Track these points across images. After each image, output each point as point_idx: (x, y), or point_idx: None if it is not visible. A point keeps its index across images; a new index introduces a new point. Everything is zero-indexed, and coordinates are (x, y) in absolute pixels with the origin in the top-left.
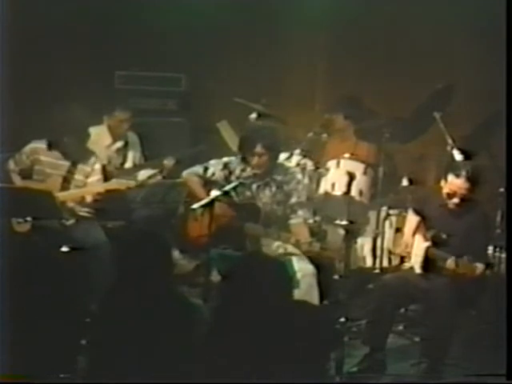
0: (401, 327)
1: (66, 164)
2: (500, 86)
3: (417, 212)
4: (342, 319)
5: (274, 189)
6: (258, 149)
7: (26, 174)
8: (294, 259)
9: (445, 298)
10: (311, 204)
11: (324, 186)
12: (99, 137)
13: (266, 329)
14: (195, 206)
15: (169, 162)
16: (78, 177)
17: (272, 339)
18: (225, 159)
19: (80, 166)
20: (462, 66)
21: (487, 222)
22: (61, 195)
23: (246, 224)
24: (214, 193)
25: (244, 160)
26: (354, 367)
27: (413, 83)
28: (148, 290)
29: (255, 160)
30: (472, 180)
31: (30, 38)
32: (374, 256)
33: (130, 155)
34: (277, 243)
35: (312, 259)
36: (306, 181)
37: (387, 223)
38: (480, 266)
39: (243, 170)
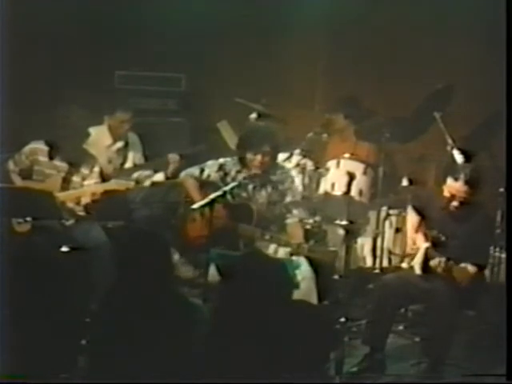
0: (401, 327)
1: (65, 165)
2: (500, 85)
3: (416, 210)
4: (342, 319)
5: (269, 189)
6: (266, 148)
7: (26, 175)
8: (293, 261)
9: (445, 297)
10: (306, 203)
11: (324, 186)
12: (99, 137)
13: (266, 329)
14: (195, 206)
15: (174, 158)
16: (77, 178)
17: (272, 339)
18: (220, 160)
19: (80, 167)
20: (462, 66)
21: (488, 223)
22: (61, 195)
23: (239, 225)
24: (215, 193)
25: (241, 161)
26: (354, 367)
27: (413, 83)
28: (148, 289)
29: (257, 161)
30: (471, 183)
31: (30, 38)
32: (374, 256)
33: (131, 155)
34: (274, 245)
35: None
36: (301, 180)
37: (387, 223)
38: (474, 270)
39: (239, 172)
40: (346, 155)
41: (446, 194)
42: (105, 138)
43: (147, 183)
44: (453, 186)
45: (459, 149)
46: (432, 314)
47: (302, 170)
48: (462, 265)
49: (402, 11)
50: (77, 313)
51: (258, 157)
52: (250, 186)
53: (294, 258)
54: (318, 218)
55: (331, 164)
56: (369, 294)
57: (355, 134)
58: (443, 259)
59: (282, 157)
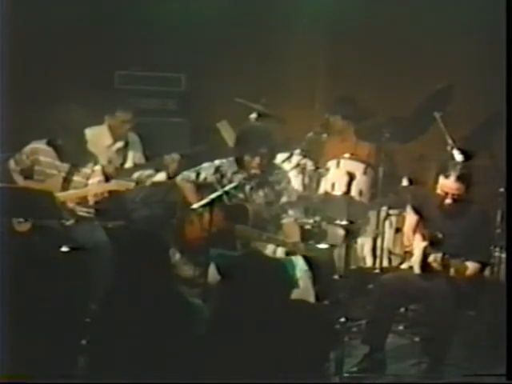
0: (401, 327)
1: (66, 165)
2: (500, 85)
3: (415, 210)
4: (342, 319)
5: (266, 189)
6: (263, 150)
7: (27, 174)
8: (292, 260)
9: (445, 297)
10: (303, 203)
11: (324, 186)
12: (99, 137)
13: (266, 329)
14: (195, 206)
15: (175, 158)
16: (77, 178)
17: (272, 339)
18: (216, 162)
19: (80, 167)
20: (462, 65)
21: (488, 223)
22: (61, 195)
23: (236, 226)
24: (215, 193)
25: (238, 161)
26: (354, 367)
27: (413, 83)
28: (148, 289)
29: (255, 162)
30: (462, 180)
31: (30, 38)
32: (374, 256)
33: (131, 155)
34: (268, 245)
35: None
36: (301, 180)
37: (387, 223)
38: (472, 267)
39: (235, 173)
40: (346, 155)
41: (439, 191)
42: (105, 138)
43: (148, 183)
44: (445, 184)
45: (459, 149)
46: (432, 314)
47: (302, 170)
48: (468, 264)
49: (401, 11)
50: (77, 313)
51: (257, 159)
52: (247, 187)
53: (291, 257)
54: (317, 218)
55: (331, 164)
56: (369, 294)
57: (355, 133)
58: (440, 254)
59: (281, 157)
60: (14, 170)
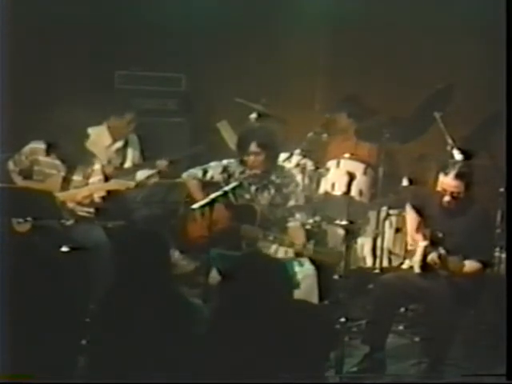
0: (401, 327)
1: (66, 165)
2: (500, 85)
3: (415, 209)
4: (342, 319)
5: (272, 191)
6: (253, 148)
7: (26, 175)
8: (294, 261)
9: (445, 297)
10: (309, 207)
11: (324, 186)
12: (99, 137)
13: (266, 329)
14: (195, 206)
15: (162, 163)
16: (77, 177)
17: (272, 339)
18: (224, 162)
19: (80, 167)
20: (462, 66)
21: (488, 223)
22: (61, 195)
23: (242, 226)
24: (214, 193)
25: (242, 162)
26: (354, 367)
27: (413, 83)
28: (148, 289)
29: (251, 160)
30: (461, 177)
31: (30, 38)
32: (374, 256)
33: (130, 155)
34: (275, 245)
35: (312, 260)
36: (305, 182)
37: (387, 223)
38: (472, 265)
39: (242, 173)
40: (346, 155)
41: (439, 189)
42: (104, 138)
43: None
44: (444, 181)
45: (459, 149)
46: (432, 314)
47: (302, 170)
48: (466, 262)
49: (402, 11)
50: (77, 313)
51: (251, 157)
52: (253, 188)
53: (295, 257)
54: (317, 218)
55: (331, 164)
56: (369, 294)
57: (355, 133)
58: (438, 252)
59: (281, 157)
60: (13, 170)
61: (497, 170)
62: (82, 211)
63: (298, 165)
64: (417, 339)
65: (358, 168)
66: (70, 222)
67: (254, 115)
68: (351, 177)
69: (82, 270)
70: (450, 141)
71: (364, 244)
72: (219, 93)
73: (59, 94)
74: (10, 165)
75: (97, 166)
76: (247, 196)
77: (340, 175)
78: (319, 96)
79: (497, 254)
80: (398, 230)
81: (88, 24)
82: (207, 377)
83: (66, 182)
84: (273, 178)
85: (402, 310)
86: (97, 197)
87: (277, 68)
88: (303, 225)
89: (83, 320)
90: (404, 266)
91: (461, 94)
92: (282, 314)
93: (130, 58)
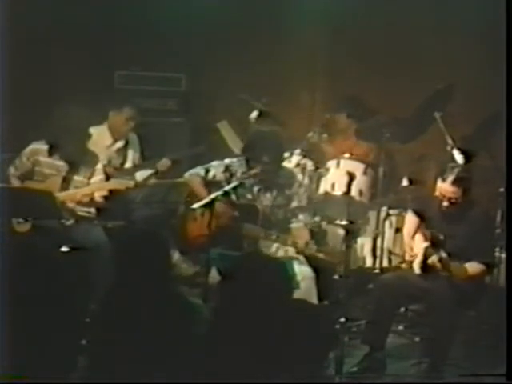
0: (401, 327)
1: (66, 165)
2: (500, 85)
3: (416, 212)
4: (342, 319)
5: (275, 192)
6: (265, 159)
7: (27, 176)
8: (294, 261)
9: (445, 297)
10: (310, 207)
11: (324, 186)
12: (99, 137)
13: (266, 329)
14: (195, 205)
15: (164, 164)
16: (78, 177)
17: (272, 339)
18: (226, 161)
19: (80, 167)
20: (462, 66)
21: (488, 223)
22: (61, 195)
23: (244, 225)
24: (215, 193)
25: (247, 162)
26: (354, 367)
27: (413, 83)
28: (148, 289)
29: (260, 168)
30: (458, 183)
31: (30, 38)
32: (374, 256)
33: (130, 155)
34: (275, 245)
35: (311, 261)
36: (305, 182)
37: (387, 223)
38: (473, 268)
39: (245, 173)
40: (346, 155)
41: (437, 194)
42: (105, 138)
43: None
44: (441, 187)
45: (459, 149)
46: (432, 314)
47: (302, 170)
48: (466, 264)
49: (402, 11)
50: (77, 313)
51: (263, 166)
52: (256, 188)
53: (294, 257)
54: (317, 218)
55: (331, 164)
56: (369, 294)
57: (355, 133)
58: (439, 255)
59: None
60: (14, 174)
61: (497, 170)
62: (82, 211)
63: (298, 165)
64: (417, 339)
65: (357, 168)
66: (69, 222)
67: (254, 114)
68: (351, 177)
69: (82, 270)
70: (449, 141)
71: (364, 244)
72: (219, 93)
73: (59, 94)
74: (11, 169)
75: (99, 166)
76: (249, 196)
77: (340, 175)
78: (319, 96)
79: (497, 254)
80: (397, 230)
81: (88, 24)
82: (207, 377)
83: (66, 182)
84: (276, 178)
85: (402, 309)
86: (98, 196)
87: (277, 68)
88: (306, 225)
89: (83, 320)
90: (404, 266)
91: (461, 94)
92: (282, 313)
93: (130, 58)
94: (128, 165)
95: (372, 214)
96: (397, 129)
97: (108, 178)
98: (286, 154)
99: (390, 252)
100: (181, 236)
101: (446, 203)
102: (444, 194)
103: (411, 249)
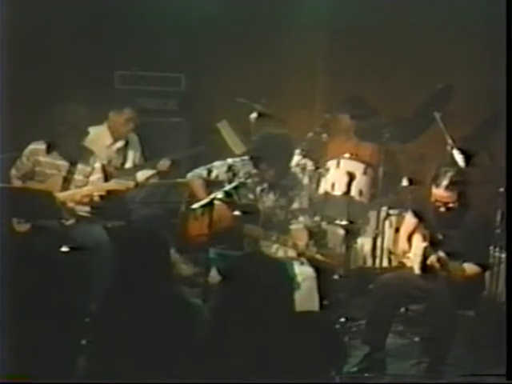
0: (401, 327)
1: (66, 164)
2: (500, 85)
3: (416, 213)
4: (342, 319)
5: (278, 193)
6: (274, 161)
7: (28, 176)
8: (294, 262)
9: (445, 298)
10: (312, 208)
11: (324, 186)
12: (99, 137)
13: (266, 329)
14: (195, 205)
15: (164, 164)
16: (78, 177)
17: (272, 339)
18: (229, 161)
19: (80, 166)
20: (462, 66)
21: (487, 223)
22: (61, 195)
23: (245, 225)
24: (215, 193)
25: (255, 164)
26: (354, 367)
27: (413, 83)
28: (148, 289)
29: (267, 170)
30: (452, 188)
31: (30, 38)
32: (374, 256)
33: (130, 155)
34: (275, 246)
35: (311, 262)
36: (305, 183)
37: (387, 223)
38: (470, 269)
39: (248, 173)
40: (346, 155)
41: (432, 200)
42: (105, 138)
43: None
44: (436, 193)
45: (459, 149)
46: (432, 314)
47: (302, 170)
48: (465, 264)
49: (402, 11)
50: (77, 313)
51: (271, 169)
52: (259, 189)
53: (295, 258)
54: (317, 218)
55: (331, 164)
56: (369, 294)
57: (355, 134)
58: (438, 255)
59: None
60: (15, 175)
61: (497, 170)
62: (82, 211)
63: (297, 165)
64: (417, 339)
65: (357, 168)
66: (69, 222)
67: (254, 115)
68: (351, 177)
69: (82, 270)
70: (449, 141)
71: (364, 244)
72: (219, 93)
73: (59, 94)
74: (13, 171)
75: (97, 165)
76: (251, 196)
77: (340, 175)
78: (319, 96)
79: (497, 254)
80: (397, 230)
81: (88, 24)
82: (207, 377)
83: (66, 182)
84: (281, 180)
85: (402, 310)
86: (96, 195)
87: (277, 68)
88: (306, 226)
89: (83, 320)
90: (407, 263)
91: (461, 94)
92: (282, 313)
93: (130, 58)
94: (128, 165)
95: (372, 214)
96: (397, 129)
97: (108, 177)
98: None
99: (390, 252)
100: (181, 236)
101: (442, 209)
102: (439, 200)
103: (404, 251)
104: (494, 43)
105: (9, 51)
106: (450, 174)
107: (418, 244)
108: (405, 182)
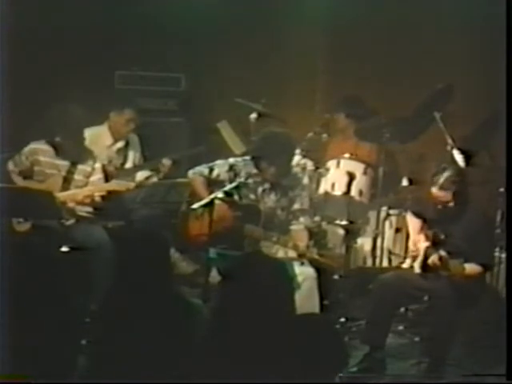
0: (401, 327)
1: (66, 164)
2: (500, 85)
3: (416, 213)
4: (342, 319)
5: (279, 193)
6: (276, 161)
7: (27, 175)
8: (295, 262)
9: (445, 297)
10: (312, 208)
11: (324, 186)
12: (99, 137)
13: (266, 329)
14: (195, 205)
15: (166, 163)
16: (78, 177)
17: (272, 339)
18: (231, 160)
19: (80, 166)
20: (462, 66)
21: (487, 224)
22: (61, 195)
23: (246, 226)
24: (215, 193)
25: (256, 164)
26: (354, 367)
27: (413, 83)
28: (148, 289)
29: (271, 172)
30: (447, 188)
31: (30, 37)
32: (374, 256)
33: (130, 155)
34: (276, 246)
35: (311, 262)
36: (305, 182)
37: (387, 223)
38: (472, 268)
39: (249, 173)
40: (346, 155)
41: (431, 198)
42: (105, 138)
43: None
44: (432, 191)
45: (459, 149)
46: (432, 314)
47: (302, 170)
48: (466, 265)
49: (402, 11)
50: (77, 313)
51: (272, 169)
52: (260, 189)
53: (295, 258)
54: (318, 218)
55: (331, 164)
56: (369, 294)
57: (355, 133)
58: (439, 254)
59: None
60: (13, 171)
61: (497, 170)
62: (82, 211)
63: (297, 165)
64: (417, 339)
65: (357, 168)
66: (69, 222)
67: (254, 115)
68: (351, 177)
69: (82, 270)
70: (449, 141)
71: (364, 244)
72: (219, 93)
73: (59, 94)
74: (10, 165)
75: (97, 165)
76: (253, 196)
77: (340, 175)
78: (319, 96)
79: (497, 254)
80: (397, 230)
81: (88, 24)
82: (207, 377)
83: (66, 182)
84: (283, 180)
85: (402, 309)
86: (97, 195)
87: (277, 68)
88: (306, 227)
89: (83, 320)
90: (404, 266)
91: (461, 94)
92: (282, 313)
93: (130, 57)
94: (128, 165)
95: (372, 214)
96: (397, 129)
97: (108, 178)
98: None
99: (390, 252)
100: (181, 236)
101: (440, 207)
102: (436, 199)
103: (416, 246)
104: (493, 43)
105: (9, 51)
106: (446, 174)
107: (420, 244)
108: (405, 182)
